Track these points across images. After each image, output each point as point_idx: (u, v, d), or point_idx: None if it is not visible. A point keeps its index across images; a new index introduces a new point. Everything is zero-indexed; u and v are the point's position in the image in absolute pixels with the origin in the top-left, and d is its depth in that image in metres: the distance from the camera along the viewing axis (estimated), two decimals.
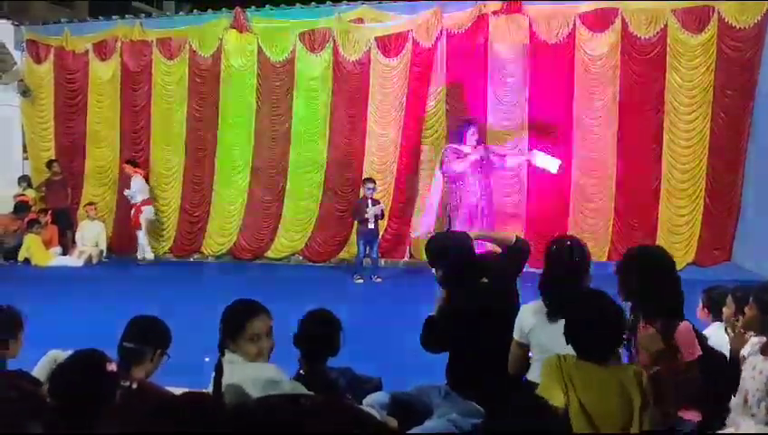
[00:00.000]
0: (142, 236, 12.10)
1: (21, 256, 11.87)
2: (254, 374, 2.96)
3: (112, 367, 2.33)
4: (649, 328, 3.33)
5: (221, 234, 12.39)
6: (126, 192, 12.07)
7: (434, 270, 3.85)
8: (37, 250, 11.85)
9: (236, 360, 3.03)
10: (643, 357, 3.29)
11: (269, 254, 12.06)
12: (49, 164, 12.87)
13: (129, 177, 12.06)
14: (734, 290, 3.97)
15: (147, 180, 12.39)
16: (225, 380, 2.90)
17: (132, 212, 12.12)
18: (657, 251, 3.75)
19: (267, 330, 3.14)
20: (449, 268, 3.76)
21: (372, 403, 3.51)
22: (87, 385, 2.42)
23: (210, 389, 2.93)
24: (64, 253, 12.23)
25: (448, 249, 3.84)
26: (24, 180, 13.17)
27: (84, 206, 12.67)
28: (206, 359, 4.65)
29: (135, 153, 12.74)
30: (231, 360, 3.03)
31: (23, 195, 12.91)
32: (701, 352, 3.26)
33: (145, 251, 12.12)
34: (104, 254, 12.39)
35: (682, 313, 3.37)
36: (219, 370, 2.96)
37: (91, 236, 12.39)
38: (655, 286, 3.36)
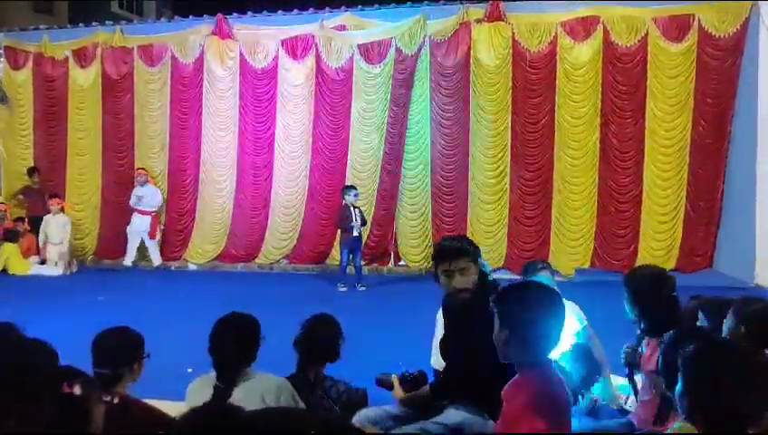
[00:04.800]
0: (154, 244, 12.26)
1: None
2: (267, 385, 3.08)
3: (76, 389, 2.20)
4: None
5: (207, 241, 12.30)
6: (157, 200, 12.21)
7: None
8: (15, 259, 11.66)
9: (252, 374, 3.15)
10: None
11: (256, 261, 11.99)
12: (30, 172, 12.66)
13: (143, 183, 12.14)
14: (702, 305, 3.96)
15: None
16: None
17: (150, 221, 12.10)
18: (648, 271, 3.82)
19: None
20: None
21: (363, 420, 3.48)
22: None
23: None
24: (43, 262, 12.04)
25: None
26: None
27: (50, 198, 12.21)
28: (189, 370, 4.60)
29: (119, 161, 12.64)
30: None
31: (1, 203, 12.73)
32: None
33: (155, 257, 12.25)
34: (69, 251, 12.09)
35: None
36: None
37: (56, 231, 12.02)
38: (650, 305, 3.51)
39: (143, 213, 12.09)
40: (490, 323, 3.06)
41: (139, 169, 12.32)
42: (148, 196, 12.13)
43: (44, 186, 12.75)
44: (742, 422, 1.97)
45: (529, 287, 2.79)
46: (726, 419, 1.95)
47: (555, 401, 2.47)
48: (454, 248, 3.45)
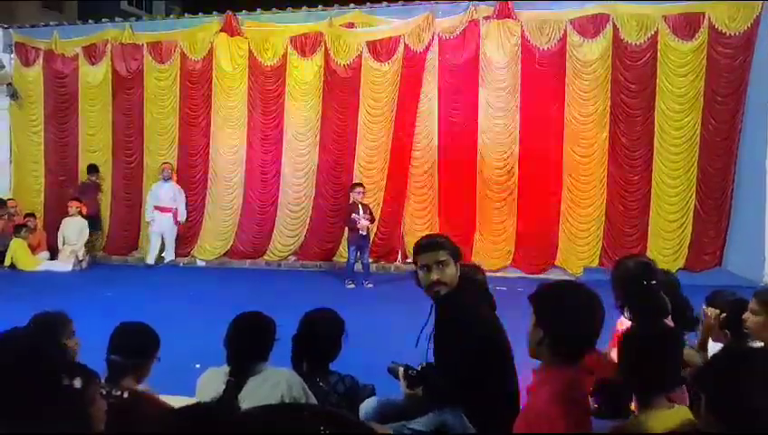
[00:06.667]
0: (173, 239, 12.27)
1: (7, 261, 11.70)
2: (278, 379, 3.12)
3: (76, 383, 2.20)
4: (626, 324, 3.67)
5: (216, 238, 12.32)
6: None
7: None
8: (23, 255, 11.71)
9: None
10: None
11: (265, 257, 12.00)
12: (90, 169, 12.58)
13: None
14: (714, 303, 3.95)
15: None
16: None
17: (172, 217, 12.09)
18: (630, 261, 3.94)
19: None
20: None
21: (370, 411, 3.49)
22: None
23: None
24: (52, 257, 12.08)
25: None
26: None
27: (69, 202, 12.26)
28: (197, 365, 4.61)
29: (128, 157, 12.68)
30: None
31: (11, 199, 12.79)
32: None
33: (170, 252, 12.28)
34: (85, 252, 12.09)
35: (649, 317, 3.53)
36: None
37: (74, 234, 12.08)
38: (627, 292, 3.67)
39: (165, 210, 12.05)
40: (473, 325, 3.06)
41: (164, 163, 12.25)
42: (177, 193, 12.13)
43: (99, 182, 12.70)
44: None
45: (569, 287, 2.70)
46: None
47: (578, 402, 2.44)
48: (431, 242, 3.54)
